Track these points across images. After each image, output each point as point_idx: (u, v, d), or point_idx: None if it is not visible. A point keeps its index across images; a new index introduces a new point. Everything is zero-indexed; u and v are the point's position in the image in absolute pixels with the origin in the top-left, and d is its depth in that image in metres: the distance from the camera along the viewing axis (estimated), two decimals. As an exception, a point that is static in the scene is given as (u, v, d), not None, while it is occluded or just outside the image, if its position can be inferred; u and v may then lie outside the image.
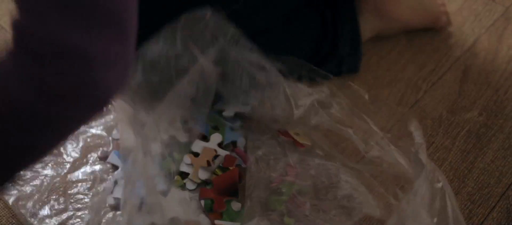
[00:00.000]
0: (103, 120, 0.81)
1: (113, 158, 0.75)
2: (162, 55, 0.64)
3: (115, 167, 0.75)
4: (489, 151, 0.82)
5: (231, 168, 0.74)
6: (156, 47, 0.64)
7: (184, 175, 0.74)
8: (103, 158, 0.76)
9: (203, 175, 0.73)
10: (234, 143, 0.78)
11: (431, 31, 0.98)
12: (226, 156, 0.75)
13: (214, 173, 0.74)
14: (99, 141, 0.79)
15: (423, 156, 0.65)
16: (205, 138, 0.77)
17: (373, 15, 0.91)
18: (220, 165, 0.74)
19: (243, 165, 0.75)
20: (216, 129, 0.78)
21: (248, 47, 0.68)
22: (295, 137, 0.76)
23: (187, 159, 0.74)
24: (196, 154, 0.76)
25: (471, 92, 0.89)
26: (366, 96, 0.77)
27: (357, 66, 0.90)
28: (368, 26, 0.90)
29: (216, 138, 0.77)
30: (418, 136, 0.67)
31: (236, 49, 0.67)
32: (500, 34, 0.97)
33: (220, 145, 0.77)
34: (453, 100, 0.88)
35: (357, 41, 0.89)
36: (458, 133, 0.84)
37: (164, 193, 0.70)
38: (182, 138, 0.72)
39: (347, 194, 0.71)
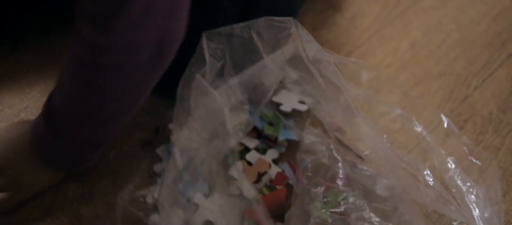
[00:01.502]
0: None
1: (161, 150, 0.74)
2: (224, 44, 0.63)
3: (159, 158, 0.74)
4: (540, 152, 0.80)
5: (278, 187, 0.72)
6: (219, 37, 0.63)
7: (231, 179, 0.71)
8: (147, 143, 0.76)
9: (248, 193, 0.69)
10: (289, 143, 0.76)
11: (483, 25, 0.95)
12: (278, 173, 0.73)
13: (260, 191, 0.71)
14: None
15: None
16: (259, 136, 0.76)
17: None
18: (268, 183, 0.72)
19: (295, 185, 0.72)
20: (270, 124, 0.77)
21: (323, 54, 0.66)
22: (354, 143, 0.72)
23: (240, 164, 0.72)
24: (249, 163, 0.74)
25: (523, 91, 0.87)
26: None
27: None
28: None
29: (272, 153, 0.75)
30: (497, 192, 0.64)
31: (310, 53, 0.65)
32: (555, 31, 0.94)
33: (274, 161, 0.75)
34: (504, 98, 0.86)
35: None
36: (508, 132, 0.82)
37: (206, 195, 0.68)
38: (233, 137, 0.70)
39: (394, 209, 0.68)
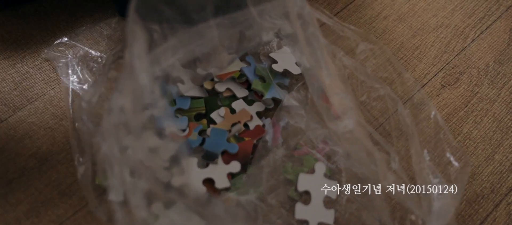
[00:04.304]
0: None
1: None
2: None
3: None
4: (535, 104, 0.80)
5: (246, 138, 0.71)
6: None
7: (212, 121, 0.73)
8: None
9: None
10: (275, 101, 0.75)
11: (482, -23, 0.94)
12: (256, 126, 0.73)
13: (228, 141, 0.71)
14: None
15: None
16: (249, 87, 0.76)
17: None
18: (236, 134, 0.72)
19: (269, 143, 0.71)
20: (262, 79, 0.76)
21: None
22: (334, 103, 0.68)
23: (222, 110, 0.73)
24: (232, 111, 0.74)
25: (520, 43, 0.86)
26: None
27: None
28: None
29: (258, 106, 0.74)
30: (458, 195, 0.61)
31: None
32: (555, -17, 0.93)
33: (259, 114, 0.74)
34: (501, 51, 0.86)
35: None
36: (504, 84, 0.82)
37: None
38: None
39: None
